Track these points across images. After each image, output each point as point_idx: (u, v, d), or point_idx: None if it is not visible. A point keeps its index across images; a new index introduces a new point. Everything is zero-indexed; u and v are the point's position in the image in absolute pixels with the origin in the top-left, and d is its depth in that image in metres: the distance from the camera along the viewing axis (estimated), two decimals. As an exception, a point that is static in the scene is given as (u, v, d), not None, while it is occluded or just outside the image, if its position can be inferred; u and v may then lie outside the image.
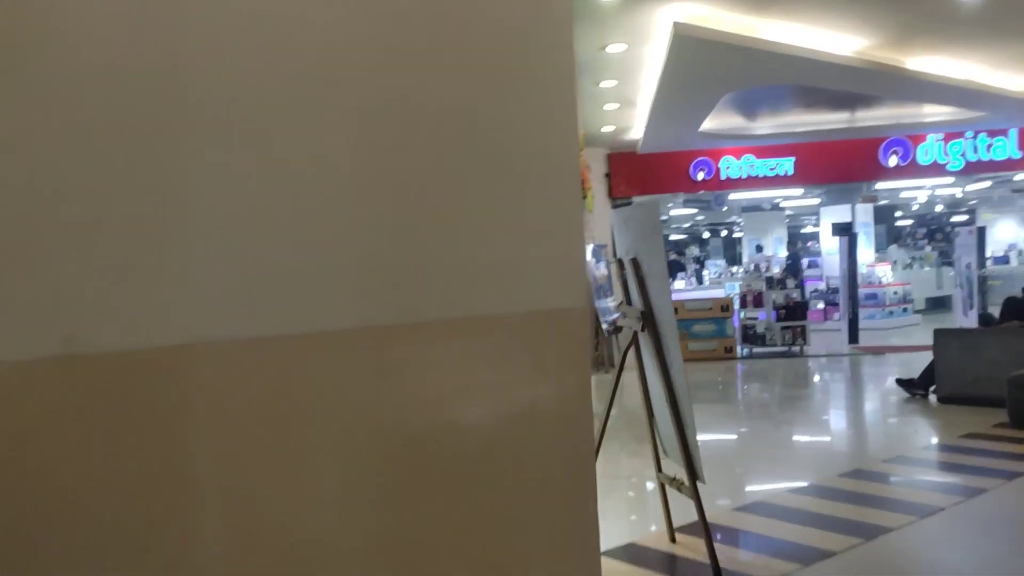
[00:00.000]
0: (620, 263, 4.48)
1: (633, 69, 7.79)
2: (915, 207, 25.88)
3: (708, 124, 11.41)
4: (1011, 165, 12.17)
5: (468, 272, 2.12)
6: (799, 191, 15.57)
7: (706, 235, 33.88)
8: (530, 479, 2.21)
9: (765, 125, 11.69)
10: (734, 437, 7.49)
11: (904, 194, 19.77)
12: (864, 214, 16.94)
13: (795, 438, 7.46)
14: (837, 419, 8.43)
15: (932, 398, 8.39)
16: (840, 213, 16.64)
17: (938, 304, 19.09)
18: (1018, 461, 5.83)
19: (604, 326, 11.89)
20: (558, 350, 2.35)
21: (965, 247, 13.56)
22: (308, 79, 1.90)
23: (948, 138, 12.15)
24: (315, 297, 1.90)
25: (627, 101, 9.18)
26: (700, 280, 16.12)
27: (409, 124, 2.04)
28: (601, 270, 12.28)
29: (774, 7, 6.33)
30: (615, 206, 13.01)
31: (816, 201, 17.32)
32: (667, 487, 4.49)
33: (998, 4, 6.48)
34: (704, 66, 7.09)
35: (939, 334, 8.33)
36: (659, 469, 4.59)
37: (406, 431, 2.05)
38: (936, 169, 12.29)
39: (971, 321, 13.88)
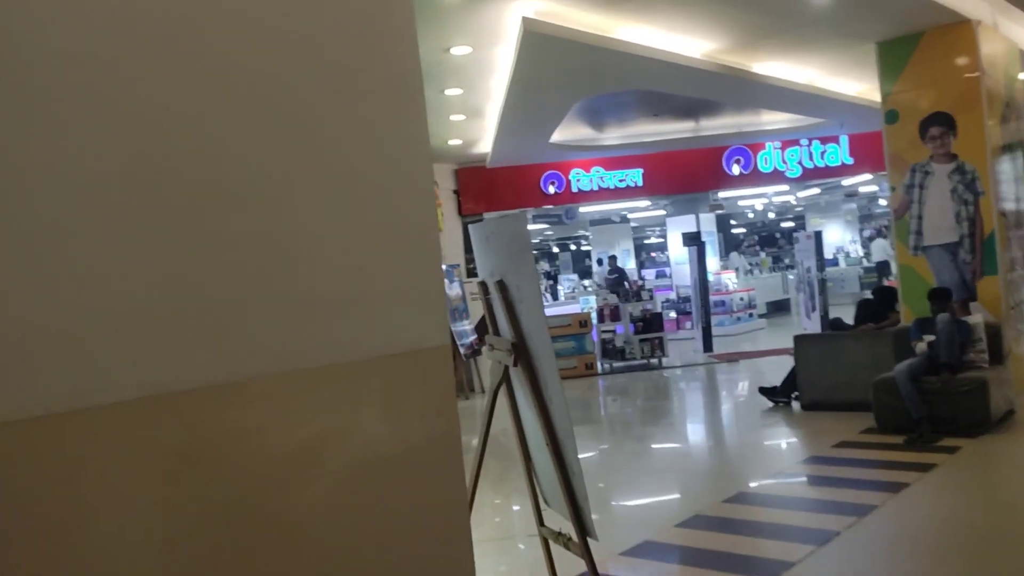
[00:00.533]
0: (484, 286, 3.84)
1: (480, 75, 7.23)
2: (750, 215, 27.02)
3: (557, 135, 11.08)
4: (844, 171, 12.63)
5: (303, 312, 1.70)
6: (647, 202, 15.62)
7: (555, 249, 34.10)
8: (395, 546, 1.90)
9: (613, 136, 11.50)
10: (606, 463, 7.03)
11: (741, 202, 20.45)
12: (708, 223, 17.28)
13: (669, 460, 7.09)
14: (708, 436, 8.17)
15: (795, 405, 8.30)
16: (685, 223, 16.89)
17: (779, 308, 19.83)
18: (897, 470, 5.65)
19: (461, 350, 11.27)
20: (421, 397, 2.01)
21: (805, 251, 13.95)
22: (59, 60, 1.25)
23: (785, 146, 12.44)
24: (77, 361, 1.39)
25: (474, 111, 8.63)
26: (555, 296, 15.86)
27: (217, 132, 1.58)
28: (455, 291, 11.67)
29: (626, 6, 5.95)
30: (466, 223, 12.46)
31: (663, 212, 17.51)
32: (551, 543, 3.86)
33: (842, 5, 6.40)
34: (555, 67, 6.63)
35: (799, 340, 8.26)
36: (540, 522, 3.96)
37: (233, 522, 1.61)
38: (777, 176, 12.56)
39: (814, 323, 14.32)
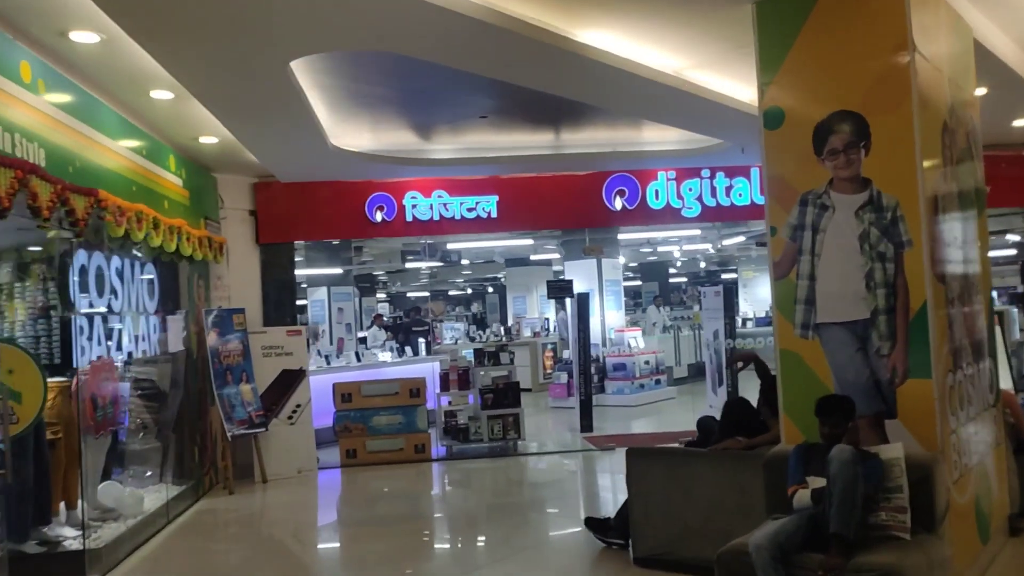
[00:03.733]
0: None
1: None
2: (677, 264, 24.46)
3: (366, 141, 8.28)
4: (755, 212, 9.93)
5: None
6: (528, 240, 12.87)
7: (468, 291, 31.35)
8: None
9: (446, 146, 8.70)
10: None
11: (662, 248, 17.81)
12: (613, 270, 14.57)
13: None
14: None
15: (632, 551, 5.46)
16: (585, 268, 14.17)
17: (703, 372, 17.06)
18: None
19: (226, 427, 8.31)
20: None
21: (712, 311, 11.24)
22: None
23: (681, 177, 9.75)
24: None
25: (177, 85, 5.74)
26: (415, 349, 12.95)
27: None
28: (232, 343, 8.73)
29: None
30: (265, 256, 9.58)
31: (557, 254, 14.81)
32: None
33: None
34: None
35: (634, 457, 5.43)
36: None
37: None
38: (671, 214, 9.85)
39: (722, 399, 11.65)
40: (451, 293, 37.18)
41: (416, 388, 9.65)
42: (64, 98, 5.14)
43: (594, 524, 5.85)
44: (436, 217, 9.56)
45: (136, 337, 7.04)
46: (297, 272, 16.10)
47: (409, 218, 9.53)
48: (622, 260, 15.70)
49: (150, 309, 7.33)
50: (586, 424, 10.95)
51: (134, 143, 6.40)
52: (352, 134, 7.87)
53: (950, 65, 5.02)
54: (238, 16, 4.26)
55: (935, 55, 4.72)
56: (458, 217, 9.59)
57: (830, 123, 4.57)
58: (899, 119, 4.39)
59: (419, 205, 9.54)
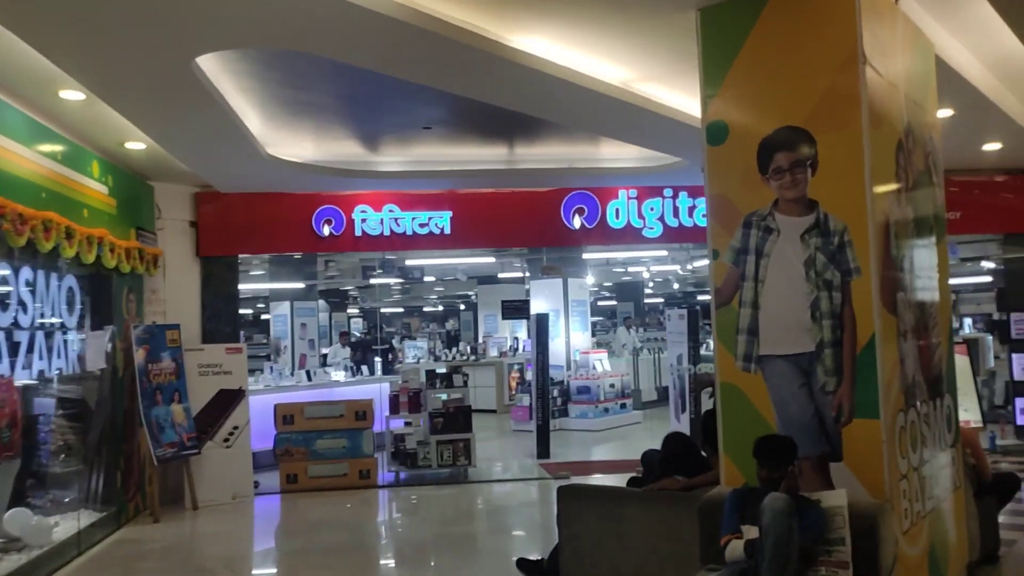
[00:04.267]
0: None
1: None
2: (650, 285, 24.17)
3: (308, 152, 7.89)
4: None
5: None
6: (490, 258, 12.49)
7: (462, 308, 31.01)
8: None
9: (393, 158, 8.32)
10: None
11: (631, 268, 17.49)
12: (579, 290, 14.21)
13: None
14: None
15: (564, 596, 5.05)
16: (551, 287, 13.79)
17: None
18: None
19: (152, 449, 7.83)
20: None
21: (676, 334, 10.88)
22: None
23: (643, 196, 9.41)
24: None
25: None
26: (371, 368, 12.49)
27: None
28: (164, 361, 8.26)
29: None
30: (207, 269, 9.13)
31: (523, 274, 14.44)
32: None
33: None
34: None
35: (565, 496, 5.03)
36: None
37: None
38: (632, 234, 9.50)
39: (683, 426, 11.26)
40: (425, 310, 36.72)
41: (362, 410, 9.21)
42: (-49, 95, 4.72)
43: (525, 566, 5.45)
44: (387, 232, 9.16)
45: (49, 354, 6.58)
46: (259, 286, 15.66)
47: (358, 232, 9.13)
48: (590, 280, 15.34)
49: (69, 324, 6.87)
50: (543, 450, 10.55)
51: (46, 147, 5.97)
52: (291, 143, 7.49)
53: (908, 82, 4.71)
54: (127, 7, 3.87)
55: (890, 70, 4.41)
56: (410, 233, 9.20)
57: (775, 139, 4.23)
58: (848, 137, 4.06)
59: (369, 219, 9.14)
